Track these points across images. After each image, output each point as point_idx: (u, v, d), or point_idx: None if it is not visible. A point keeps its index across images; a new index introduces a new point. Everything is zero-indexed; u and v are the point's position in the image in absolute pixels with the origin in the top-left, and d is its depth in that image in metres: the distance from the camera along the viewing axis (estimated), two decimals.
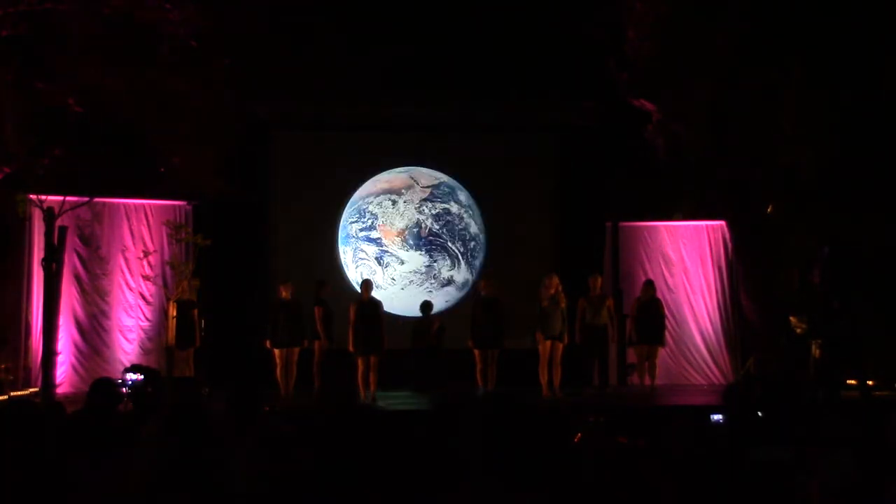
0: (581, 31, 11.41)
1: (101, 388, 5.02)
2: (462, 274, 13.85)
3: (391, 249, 13.80)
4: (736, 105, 11.33)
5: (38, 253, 11.19)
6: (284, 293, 11.56)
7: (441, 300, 13.50)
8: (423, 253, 13.83)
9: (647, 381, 11.82)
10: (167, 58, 9.98)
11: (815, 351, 10.68)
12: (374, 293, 11.68)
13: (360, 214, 13.81)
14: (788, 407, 5.08)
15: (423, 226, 13.84)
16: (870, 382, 10.70)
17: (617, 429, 6.88)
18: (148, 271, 12.29)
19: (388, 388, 11.49)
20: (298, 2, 11.26)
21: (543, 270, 11.92)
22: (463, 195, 13.92)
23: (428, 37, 12.39)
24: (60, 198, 10.64)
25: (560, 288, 11.38)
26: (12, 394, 10.62)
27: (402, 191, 13.87)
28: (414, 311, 12.58)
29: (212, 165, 11.18)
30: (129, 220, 12.46)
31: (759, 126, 11.25)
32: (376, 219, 13.81)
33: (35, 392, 10.81)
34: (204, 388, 11.05)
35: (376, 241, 13.79)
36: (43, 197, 10.64)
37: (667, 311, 12.58)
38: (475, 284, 12.97)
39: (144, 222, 12.52)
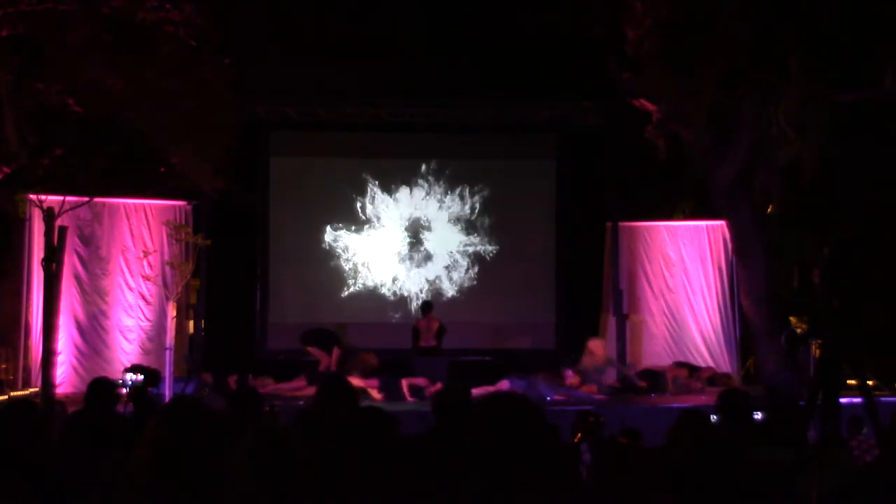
0: (581, 31, 11.41)
1: (98, 389, 5.02)
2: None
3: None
4: (736, 105, 11.32)
5: (38, 253, 11.18)
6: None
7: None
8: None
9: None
10: (167, 58, 9.98)
11: (815, 351, 10.67)
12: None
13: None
14: (788, 407, 5.08)
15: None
16: (870, 382, 10.68)
17: (617, 429, 6.89)
18: (148, 271, 12.28)
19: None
20: (298, 2, 11.27)
21: (543, 270, 11.92)
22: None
23: (428, 37, 12.39)
24: (60, 198, 10.63)
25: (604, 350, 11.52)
26: (12, 394, 10.62)
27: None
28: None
29: (211, 165, 11.18)
30: (129, 220, 12.46)
31: (759, 126, 11.25)
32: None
33: (35, 392, 10.80)
34: (203, 388, 11.09)
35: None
36: (43, 197, 10.63)
37: (666, 311, 12.60)
38: None
39: (144, 222, 12.52)
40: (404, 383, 11.00)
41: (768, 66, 10.79)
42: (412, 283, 13.74)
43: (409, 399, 10.65)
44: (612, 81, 11.74)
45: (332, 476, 3.25)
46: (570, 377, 11.65)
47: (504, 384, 10.87)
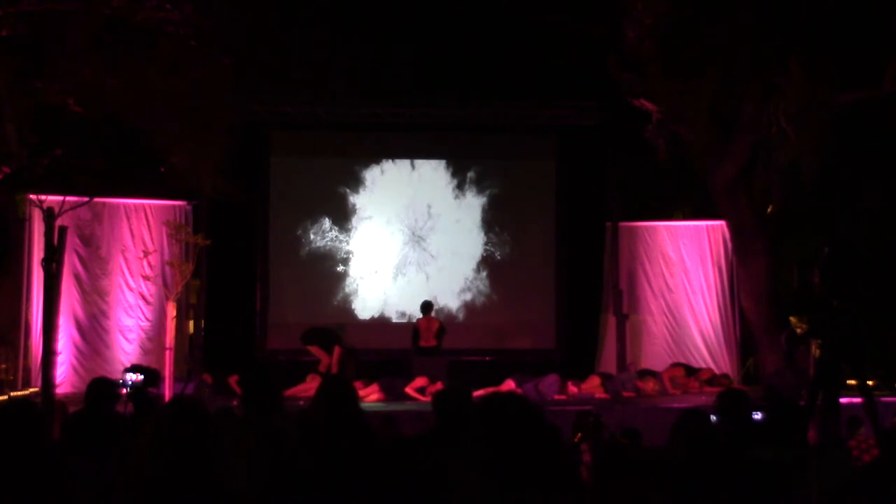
0: (581, 31, 11.42)
1: (97, 388, 5.02)
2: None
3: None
4: (736, 105, 11.33)
5: (38, 253, 11.18)
6: None
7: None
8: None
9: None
10: (167, 58, 9.98)
11: (815, 351, 10.66)
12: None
13: None
14: (788, 407, 5.09)
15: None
16: (870, 382, 10.67)
17: (617, 429, 6.90)
18: (148, 271, 12.28)
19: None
20: (298, 2, 11.28)
21: (543, 270, 11.89)
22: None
23: (428, 37, 12.39)
24: (60, 198, 10.62)
25: None
26: (12, 394, 10.62)
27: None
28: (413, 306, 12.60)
29: (211, 165, 11.19)
30: (129, 220, 12.46)
31: (759, 126, 11.26)
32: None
33: (35, 392, 10.80)
34: (204, 388, 11.09)
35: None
36: (43, 197, 10.62)
37: (666, 311, 12.58)
38: None
39: (144, 222, 12.52)
40: (409, 391, 10.98)
41: (768, 66, 10.79)
42: (412, 283, 13.73)
43: (422, 398, 10.56)
44: (612, 81, 11.75)
45: (332, 476, 3.25)
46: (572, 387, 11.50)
47: (509, 383, 10.85)
